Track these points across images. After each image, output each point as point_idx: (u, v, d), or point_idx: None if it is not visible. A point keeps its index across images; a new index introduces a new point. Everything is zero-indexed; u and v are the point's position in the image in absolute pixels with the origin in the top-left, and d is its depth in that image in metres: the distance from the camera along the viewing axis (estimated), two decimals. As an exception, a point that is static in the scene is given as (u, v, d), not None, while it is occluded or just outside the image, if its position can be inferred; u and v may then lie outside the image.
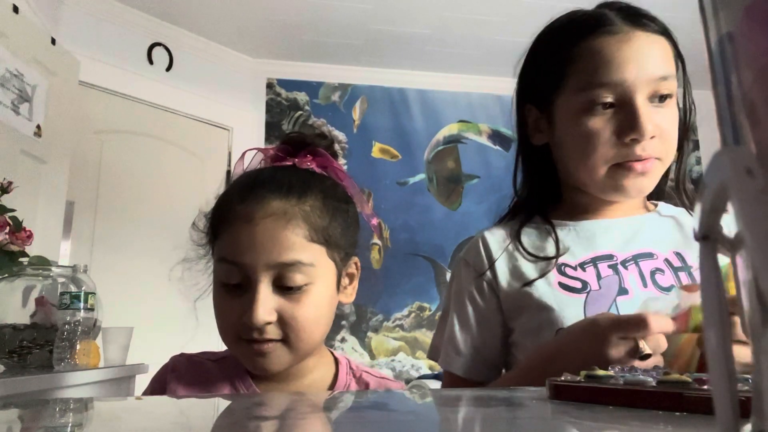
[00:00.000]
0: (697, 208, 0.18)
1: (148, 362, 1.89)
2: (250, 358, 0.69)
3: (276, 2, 2.85)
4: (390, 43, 3.24)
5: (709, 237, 0.18)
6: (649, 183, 0.76)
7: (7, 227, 1.61)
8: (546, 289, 0.75)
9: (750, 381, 0.29)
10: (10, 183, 1.69)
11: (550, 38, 0.81)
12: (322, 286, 0.69)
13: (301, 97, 3.46)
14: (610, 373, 0.43)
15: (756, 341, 0.17)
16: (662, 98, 0.74)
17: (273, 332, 0.67)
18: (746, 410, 0.18)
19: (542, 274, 0.76)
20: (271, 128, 3.37)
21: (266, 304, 0.66)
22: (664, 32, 0.77)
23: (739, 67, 0.17)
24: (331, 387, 0.76)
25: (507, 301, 0.78)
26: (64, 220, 2.33)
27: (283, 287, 0.67)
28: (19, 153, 1.99)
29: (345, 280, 0.75)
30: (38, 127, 2.09)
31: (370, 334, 3.29)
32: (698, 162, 3.85)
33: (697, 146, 3.86)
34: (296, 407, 0.44)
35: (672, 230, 0.82)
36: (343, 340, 3.23)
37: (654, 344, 0.56)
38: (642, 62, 0.73)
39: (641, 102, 0.72)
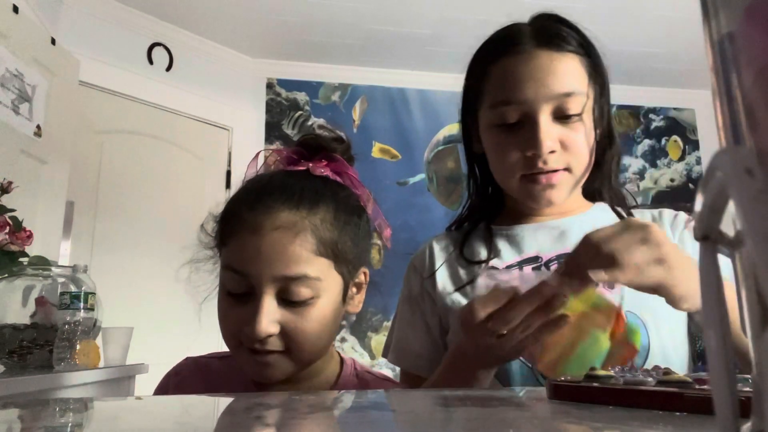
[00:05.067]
0: (697, 208, 0.18)
1: (148, 362, 1.90)
2: (252, 366, 0.68)
3: (276, 2, 2.85)
4: (390, 43, 3.24)
5: (709, 237, 0.18)
6: (558, 193, 0.79)
7: (7, 227, 1.61)
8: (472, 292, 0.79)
9: (750, 381, 0.29)
10: (10, 183, 1.69)
11: (477, 54, 0.85)
12: (327, 300, 0.68)
13: (301, 97, 3.46)
14: (610, 373, 0.43)
15: (756, 341, 0.17)
16: (570, 116, 0.76)
17: (275, 344, 0.66)
18: (746, 410, 0.18)
19: (471, 279, 0.80)
20: (271, 128, 3.37)
21: (269, 316, 0.64)
22: (579, 49, 0.78)
23: (739, 67, 0.17)
24: (332, 387, 0.76)
25: (442, 304, 0.82)
26: (64, 220, 2.32)
27: (288, 300, 0.66)
28: (19, 153, 1.99)
29: (352, 290, 0.74)
30: (38, 127, 2.09)
31: (370, 333, 3.29)
32: (698, 162, 3.85)
33: (696, 146, 3.86)
34: (296, 407, 0.44)
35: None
36: (343, 340, 3.23)
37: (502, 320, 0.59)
38: (542, 80, 0.75)
39: (543, 119, 0.75)
